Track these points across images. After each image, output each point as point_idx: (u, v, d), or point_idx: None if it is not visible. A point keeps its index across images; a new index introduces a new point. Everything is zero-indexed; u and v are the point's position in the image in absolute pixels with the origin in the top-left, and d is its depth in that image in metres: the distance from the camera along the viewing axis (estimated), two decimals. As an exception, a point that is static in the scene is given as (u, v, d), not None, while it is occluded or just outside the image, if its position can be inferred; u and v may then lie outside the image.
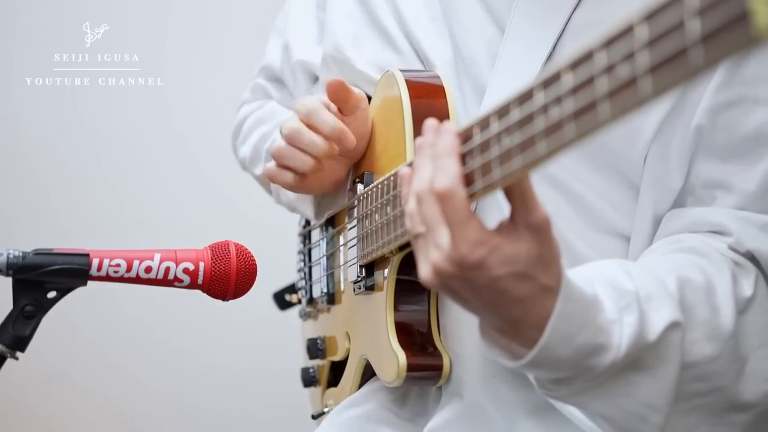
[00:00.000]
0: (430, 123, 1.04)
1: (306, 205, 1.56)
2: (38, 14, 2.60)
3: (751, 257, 1.21)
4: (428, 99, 1.34)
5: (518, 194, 0.97)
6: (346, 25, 1.49)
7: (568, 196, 1.28)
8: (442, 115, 1.32)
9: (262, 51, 1.79)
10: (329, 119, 1.35)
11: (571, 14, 1.28)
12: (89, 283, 1.27)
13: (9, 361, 1.20)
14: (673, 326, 1.09)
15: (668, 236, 1.25)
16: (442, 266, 0.98)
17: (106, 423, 2.64)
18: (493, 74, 1.32)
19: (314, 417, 1.64)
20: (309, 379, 1.67)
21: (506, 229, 0.98)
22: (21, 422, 2.62)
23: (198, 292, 1.26)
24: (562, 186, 1.28)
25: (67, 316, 2.61)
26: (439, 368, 1.33)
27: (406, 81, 1.35)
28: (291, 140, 1.37)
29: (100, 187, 2.69)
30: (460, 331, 1.33)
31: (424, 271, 1.01)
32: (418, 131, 1.28)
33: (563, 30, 1.28)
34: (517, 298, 0.99)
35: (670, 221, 1.25)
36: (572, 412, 1.27)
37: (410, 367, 1.30)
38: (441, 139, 1.01)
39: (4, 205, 2.65)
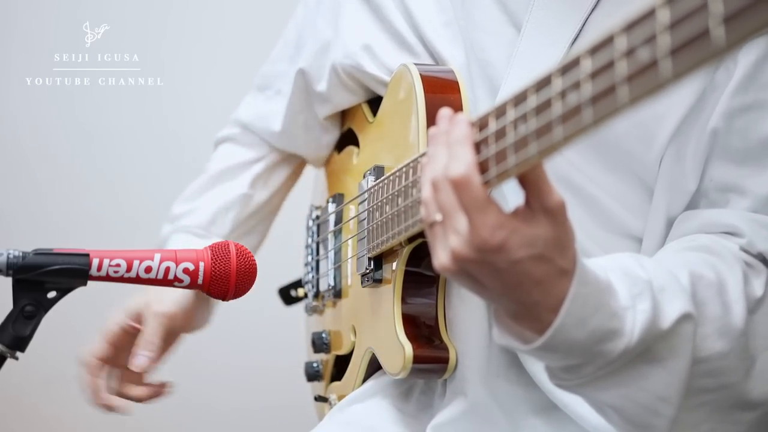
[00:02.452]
0: (443, 112, 1.05)
1: None
2: (38, 14, 2.60)
3: (763, 259, 1.22)
4: (442, 93, 1.35)
5: (532, 180, 0.98)
6: (357, 31, 1.50)
7: (580, 197, 1.28)
8: (456, 109, 1.31)
9: (262, 51, 1.78)
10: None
11: (589, 14, 1.29)
12: (89, 282, 1.26)
13: (9, 361, 1.20)
14: (686, 318, 1.10)
15: (682, 236, 1.25)
16: (461, 251, 0.98)
17: (106, 423, 2.62)
18: (507, 73, 1.32)
19: (317, 399, 1.66)
20: (313, 374, 1.67)
21: (522, 213, 0.99)
22: (21, 422, 2.61)
23: (198, 291, 1.26)
24: (574, 186, 1.28)
25: (68, 315, 2.61)
26: (445, 361, 1.33)
27: (421, 75, 1.36)
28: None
29: (99, 187, 2.68)
30: (466, 328, 1.33)
31: (442, 258, 1.01)
32: (432, 125, 1.30)
33: (581, 29, 1.29)
34: (536, 280, 1.00)
35: (683, 223, 1.26)
36: (576, 411, 1.28)
37: (416, 359, 1.31)
38: (455, 128, 1.02)
39: (3, 205, 2.65)
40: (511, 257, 0.98)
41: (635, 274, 1.10)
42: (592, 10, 1.28)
